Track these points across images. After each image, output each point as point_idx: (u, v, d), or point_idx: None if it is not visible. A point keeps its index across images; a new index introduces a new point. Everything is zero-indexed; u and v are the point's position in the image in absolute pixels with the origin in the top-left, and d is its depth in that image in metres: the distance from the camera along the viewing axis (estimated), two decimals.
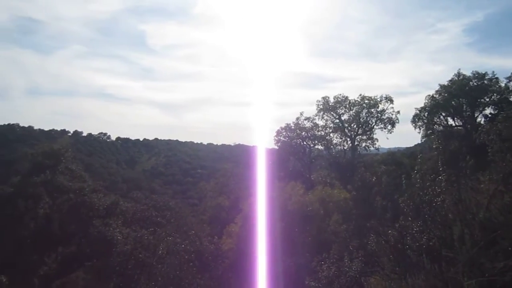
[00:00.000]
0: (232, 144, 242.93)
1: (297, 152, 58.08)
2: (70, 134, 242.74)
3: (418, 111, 56.42)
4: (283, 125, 59.77)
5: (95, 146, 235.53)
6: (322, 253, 21.48)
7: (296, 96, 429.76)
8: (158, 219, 40.23)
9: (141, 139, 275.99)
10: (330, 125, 60.83)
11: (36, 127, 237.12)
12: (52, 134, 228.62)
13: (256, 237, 21.11)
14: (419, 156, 27.95)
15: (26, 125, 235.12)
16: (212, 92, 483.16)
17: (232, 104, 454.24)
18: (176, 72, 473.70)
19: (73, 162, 40.33)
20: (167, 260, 28.48)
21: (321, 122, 60.84)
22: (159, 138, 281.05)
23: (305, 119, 60.16)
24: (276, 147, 58.52)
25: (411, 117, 56.81)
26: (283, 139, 58.35)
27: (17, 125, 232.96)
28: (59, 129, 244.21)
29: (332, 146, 60.06)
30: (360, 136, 60.72)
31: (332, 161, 56.81)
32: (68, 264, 36.33)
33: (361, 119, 60.66)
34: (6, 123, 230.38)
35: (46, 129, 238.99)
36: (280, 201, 25.04)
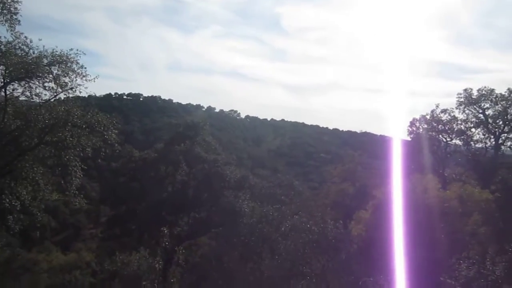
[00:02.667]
0: (358, 131, 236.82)
1: (431, 145, 54.55)
2: (204, 109, 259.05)
3: None
4: (417, 116, 56.44)
5: (226, 122, 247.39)
6: (456, 252, 20.24)
7: (431, 86, 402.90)
8: (282, 197, 41.21)
9: (268, 119, 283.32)
10: (472, 120, 55.91)
11: (174, 100, 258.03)
12: (188, 108, 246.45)
13: (388, 226, 20.52)
14: None
15: (167, 98, 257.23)
16: (341, 76, 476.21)
17: (361, 90, 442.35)
18: (307, 54, 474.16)
19: (208, 135, 42.77)
20: (291, 237, 29.05)
21: (461, 116, 56.16)
22: (286, 119, 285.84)
23: (441, 112, 56.14)
24: (408, 138, 55.64)
25: None
26: (417, 130, 55.26)
27: (159, 97, 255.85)
28: (194, 104, 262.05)
29: (472, 142, 55.35)
30: (506, 134, 54.92)
31: (471, 158, 52.42)
32: (197, 228, 39.10)
33: (508, 116, 54.79)
34: (150, 95, 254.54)
35: (183, 102, 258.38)
36: (415, 193, 23.95)
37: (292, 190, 44.79)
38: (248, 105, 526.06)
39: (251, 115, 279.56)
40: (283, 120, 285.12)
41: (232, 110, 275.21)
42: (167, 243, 26.96)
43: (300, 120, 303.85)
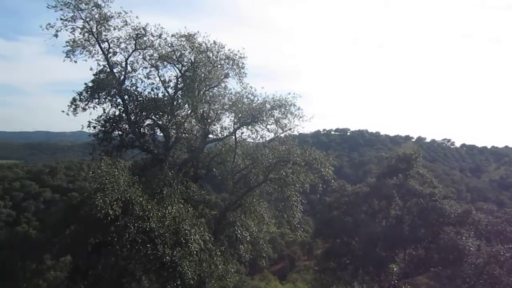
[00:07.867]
0: None
1: None
2: (413, 140, 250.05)
3: None
4: None
5: (438, 152, 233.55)
6: None
7: None
8: None
9: (488, 147, 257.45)
10: None
11: (382, 133, 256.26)
12: (397, 140, 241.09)
13: None
14: None
15: (374, 131, 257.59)
16: None
17: None
18: None
19: (422, 168, 40.86)
20: None
21: None
22: (510, 146, 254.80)
23: None
24: None
25: None
26: None
27: (366, 130, 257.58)
28: (403, 135, 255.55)
29: None
30: None
31: None
32: (414, 266, 37.14)
33: None
34: (357, 129, 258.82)
35: (391, 134, 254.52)
36: None
37: None
38: (463, 133, 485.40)
39: (467, 143, 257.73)
40: (506, 146, 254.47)
41: (445, 139, 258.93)
42: (396, 281, 26.34)
43: None
